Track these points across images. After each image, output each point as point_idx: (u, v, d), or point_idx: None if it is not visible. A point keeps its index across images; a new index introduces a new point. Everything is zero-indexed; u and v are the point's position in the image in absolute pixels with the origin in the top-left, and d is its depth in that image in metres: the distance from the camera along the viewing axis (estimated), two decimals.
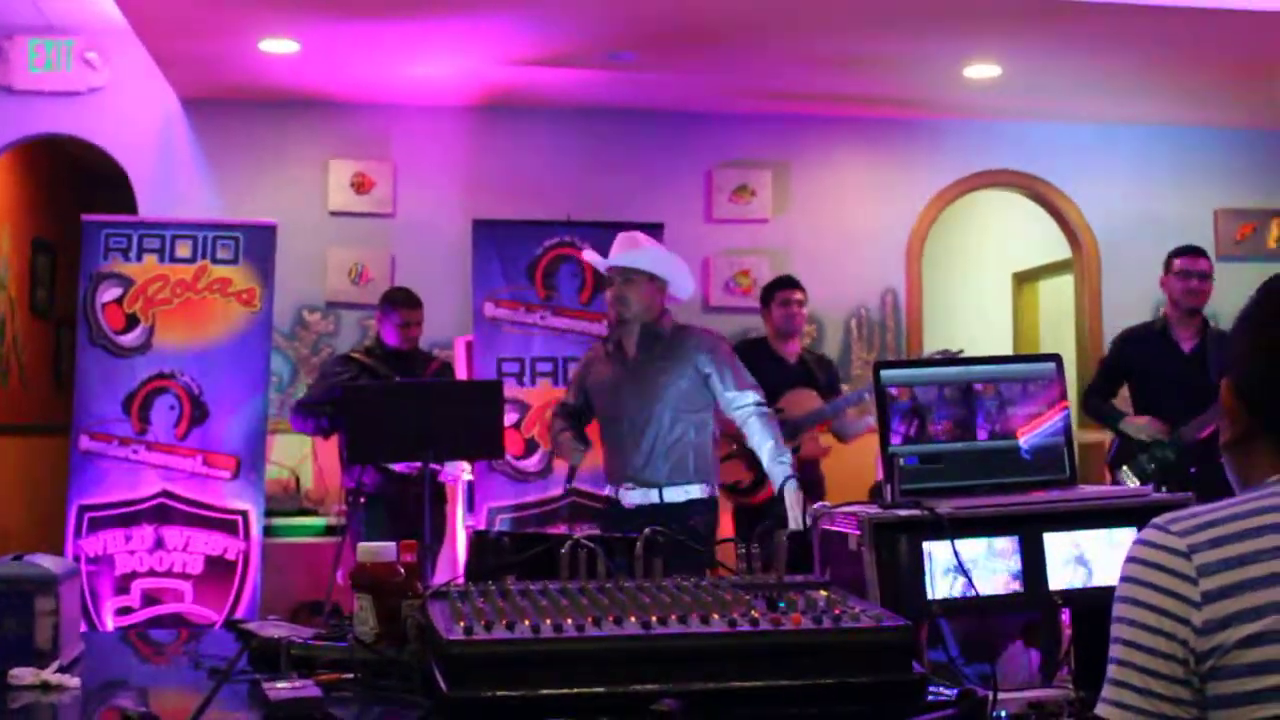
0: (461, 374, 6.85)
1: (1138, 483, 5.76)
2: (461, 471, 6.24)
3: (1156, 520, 1.53)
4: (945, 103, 7.85)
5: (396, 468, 5.77)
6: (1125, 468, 5.82)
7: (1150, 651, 1.42)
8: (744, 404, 4.71)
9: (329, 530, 6.70)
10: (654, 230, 6.73)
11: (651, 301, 4.77)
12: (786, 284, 6.49)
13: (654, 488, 4.68)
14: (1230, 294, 8.02)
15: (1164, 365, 5.93)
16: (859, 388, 6.73)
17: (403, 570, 2.53)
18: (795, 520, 4.30)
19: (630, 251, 4.78)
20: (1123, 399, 6.18)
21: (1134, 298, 7.83)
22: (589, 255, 5.01)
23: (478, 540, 3.12)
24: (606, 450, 4.83)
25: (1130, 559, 1.51)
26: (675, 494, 4.69)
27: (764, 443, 4.65)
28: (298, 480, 7.14)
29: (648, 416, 4.70)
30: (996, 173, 8.40)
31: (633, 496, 4.71)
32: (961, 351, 5.97)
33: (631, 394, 4.73)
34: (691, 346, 4.76)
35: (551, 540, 2.75)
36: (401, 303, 6.08)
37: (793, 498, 4.43)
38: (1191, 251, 5.99)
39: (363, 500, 5.85)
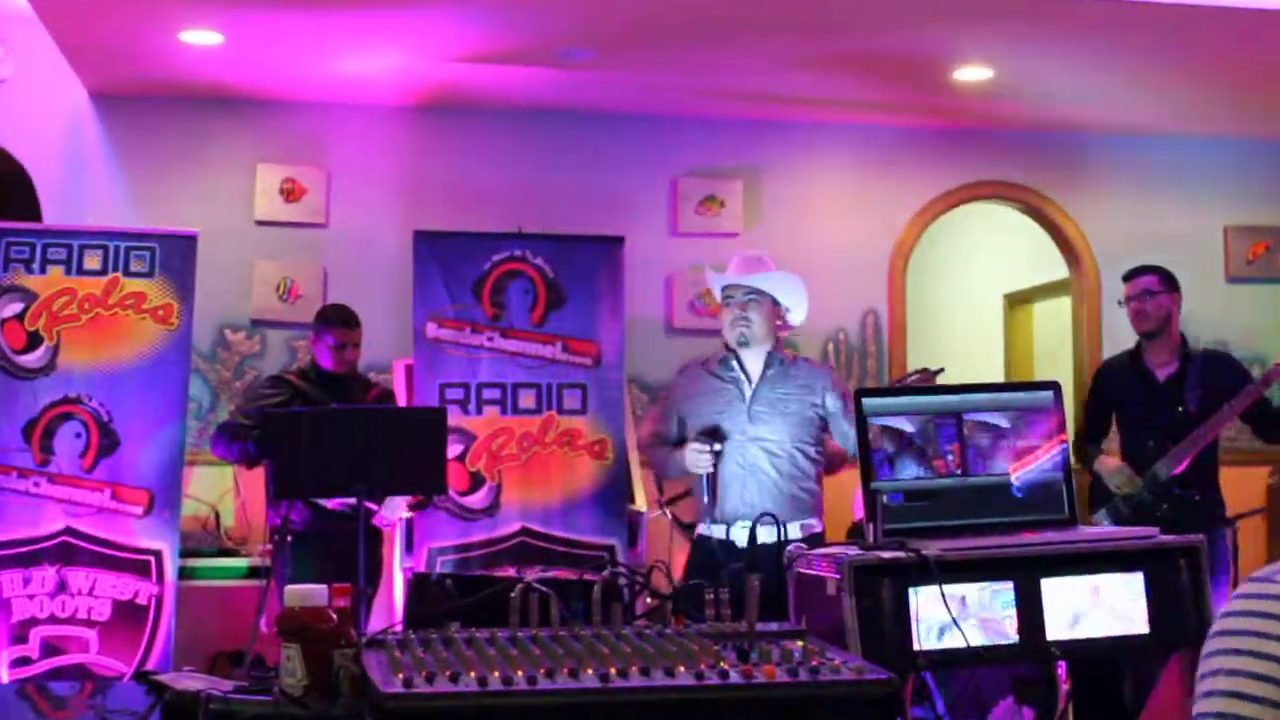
0: (401, 401, 6.82)
1: (1112, 526, 5.82)
2: (399, 512, 6.19)
3: (1256, 574, 1.57)
4: (933, 108, 7.90)
5: (328, 504, 5.73)
6: (1102, 510, 5.88)
7: (1259, 701, 1.45)
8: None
9: (252, 572, 6.63)
10: (614, 244, 6.75)
11: (771, 326, 4.94)
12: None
13: (776, 525, 4.72)
14: (1241, 317, 8.16)
15: (1138, 395, 6.00)
16: None
17: (334, 616, 2.51)
18: None
19: (760, 274, 4.94)
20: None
21: None
22: (709, 272, 5.15)
23: (417, 583, 3.11)
24: (716, 486, 4.88)
25: (1232, 612, 1.55)
26: (796, 529, 4.81)
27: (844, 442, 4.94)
28: (217, 517, 7.07)
29: (773, 448, 4.86)
30: (988, 184, 8.45)
31: (761, 533, 4.71)
32: (941, 371, 6.02)
33: (753, 421, 4.88)
34: (820, 380, 4.96)
35: (500, 584, 2.73)
36: (336, 321, 6.06)
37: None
38: (1134, 273, 6.11)
39: (290, 539, 5.80)
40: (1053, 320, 9.57)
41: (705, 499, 4.88)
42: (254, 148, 7.66)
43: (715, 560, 4.63)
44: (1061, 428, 3.25)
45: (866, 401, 3.22)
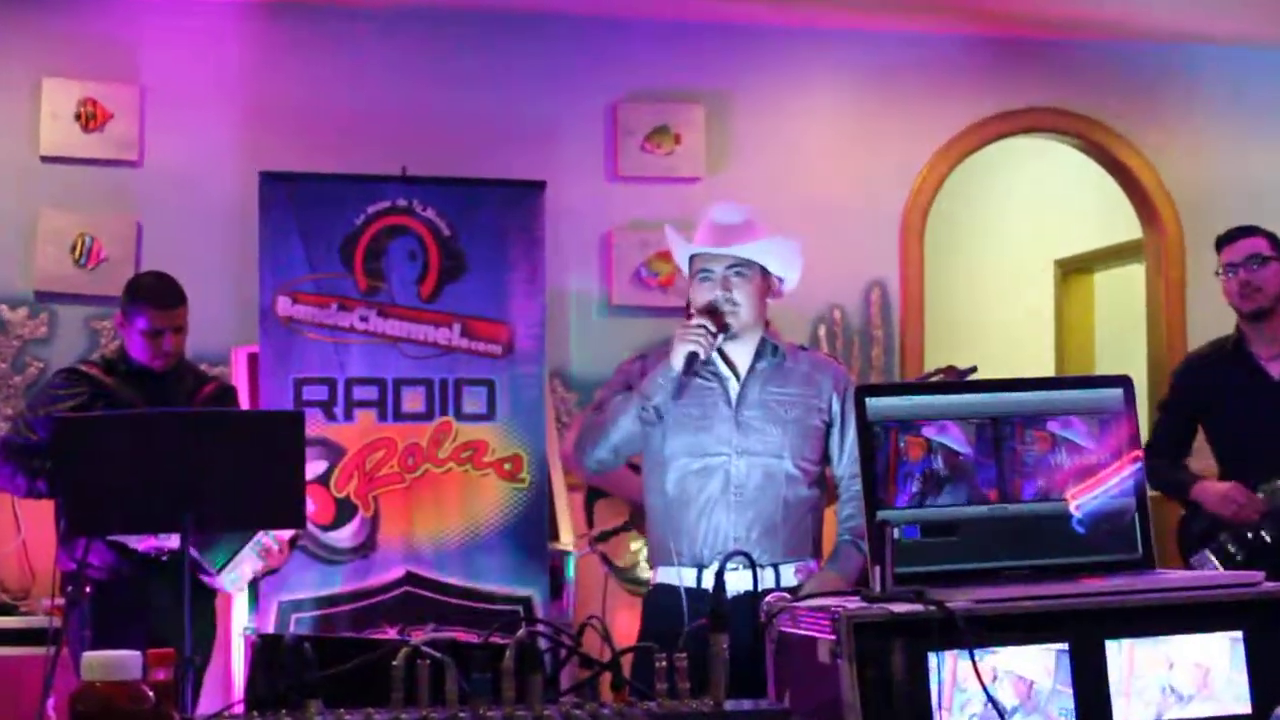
0: (243, 403, 6.78)
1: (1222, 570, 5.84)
2: (248, 576, 6.10)
3: None
4: (961, 7, 7.93)
5: (138, 545, 5.69)
6: (1205, 552, 5.91)
7: None
8: (854, 473, 4.75)
9: (36, 636, 6.59)
10: (532, 191, 6.73)
11: (762, 305, 4.90)
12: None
13: (766, 567, 4.72)
14: None
15: (1243, 399, 6.02)
16: None
17: (151, 694, 2.49)
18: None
19: (749, 243, 4.85)
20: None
21: None
22: (671, 234, 5.05)
23: (265, 649, 3.09)
24: (680, 510, 4.85)
25: None
26: (791, 573, 4.77)
27: (858, 516, 4.74)
28: None
29: (765, 466, 4.81)
30: (1035, 112, 8.49)
31: (736, 580, 4.68)
32: (973, 370, 6.02)
33: (740, 428, 4.82)
34: (825, 376, 4.92)
35: (378, 648, 2.72)
36: (150, 299, 5.98)
37: (823, 579, 4.62)
38: (1235, 234, 6.10)
39: (88, 590, 5.75)
40: (1121, 295, 9.63)
41: (655, 418, 4.83)
42: (38, 56, 7.59)
43: (680, 618, 4.60)
44: (1135, 439, 3.26)
45: (872, 402, 3.22)
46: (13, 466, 5.86)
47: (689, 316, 4.87)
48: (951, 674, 2.85)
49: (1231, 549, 5.82)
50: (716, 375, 4.87)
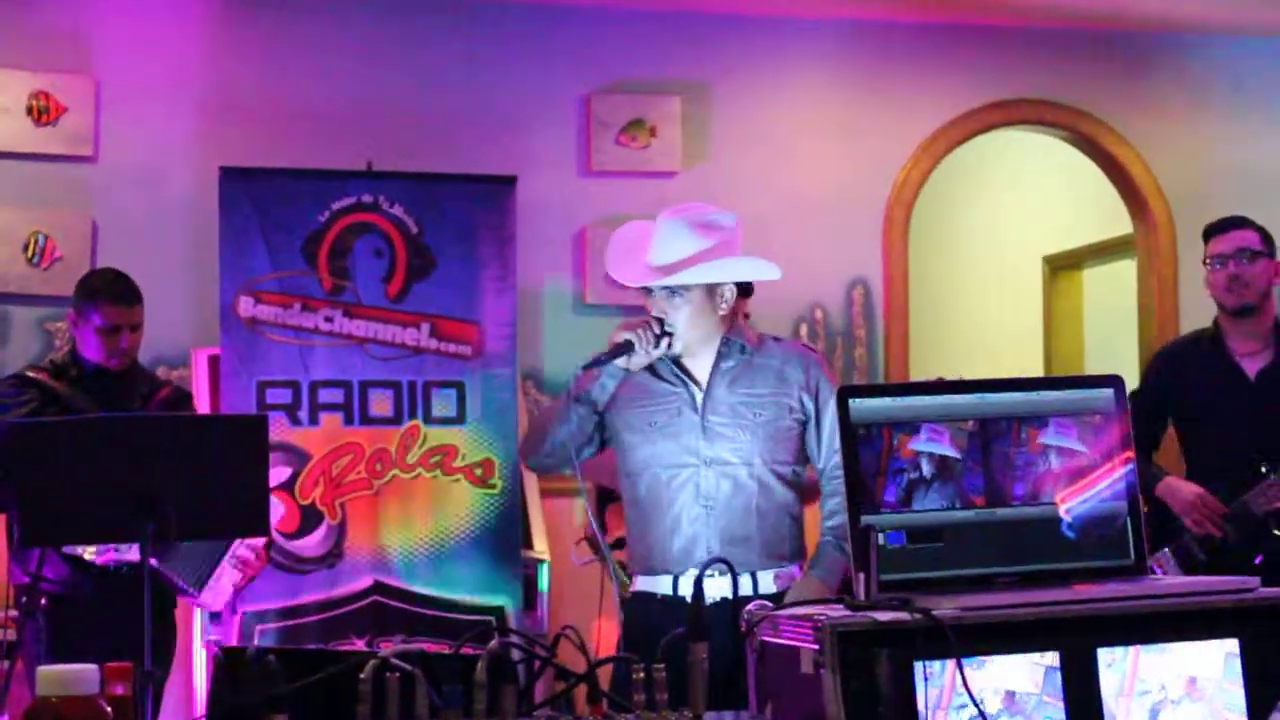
0: (203, 406, 6.75)
1: (1180, 572, 5.86)
2: (228, 591, 6.07)
3: None
4: None
5: (96, 557, 5.66)
6: (1165, 550, 5.93)
7: None
8: (836, 468, 4.76)
9: None
10: (503, 186, 6.73)
11: (708, 319, 4.84)
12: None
13: (744, 573, 4.71)
14: None
15: (1217, 395, 6.03)
16: None
17: (109, 709, 2.48)
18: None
19: (678, 272, 4.77)
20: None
21: None
22: (616, 269, 4.98)
23: (228, 662, 3.08)
24: (654, 520, 4.86)
25: None
26: (770, 579, 4.78)
27: (839, 514, 4.74)
28: None
29: (735, 470, 4.80)
30: (1022, 104, 8.51)
31: (714, 586, 4.68)
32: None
33: (708, 437, 4.80)
34: (798, 369, 4.88)
35: (345, 660, 2.71)
36: (105, 296, 5.96)
37: (809, 593, 4.55)
38: (1225, 225, 6.10)
39: (43, 602, 5.73)
40: (1111, 292, 9.66)
41: (588, 412, 4.85)
42: None
43: (658, 627, 4.61)
44: (1127, 440, 3.26)
45: (855, 403, 3.22)
46: None
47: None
48: (939, 684, 2.85)
49: (1194, 550, 5.85)
50: (682, 381, 4.86)
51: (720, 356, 4.84)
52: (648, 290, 4.83)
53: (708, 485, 4.77)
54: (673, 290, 4.75)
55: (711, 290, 4.79)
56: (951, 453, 3.21)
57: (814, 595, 4.50)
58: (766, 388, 4.83)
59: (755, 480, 4.78)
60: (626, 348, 4.71)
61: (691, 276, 4.74)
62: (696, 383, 4.84)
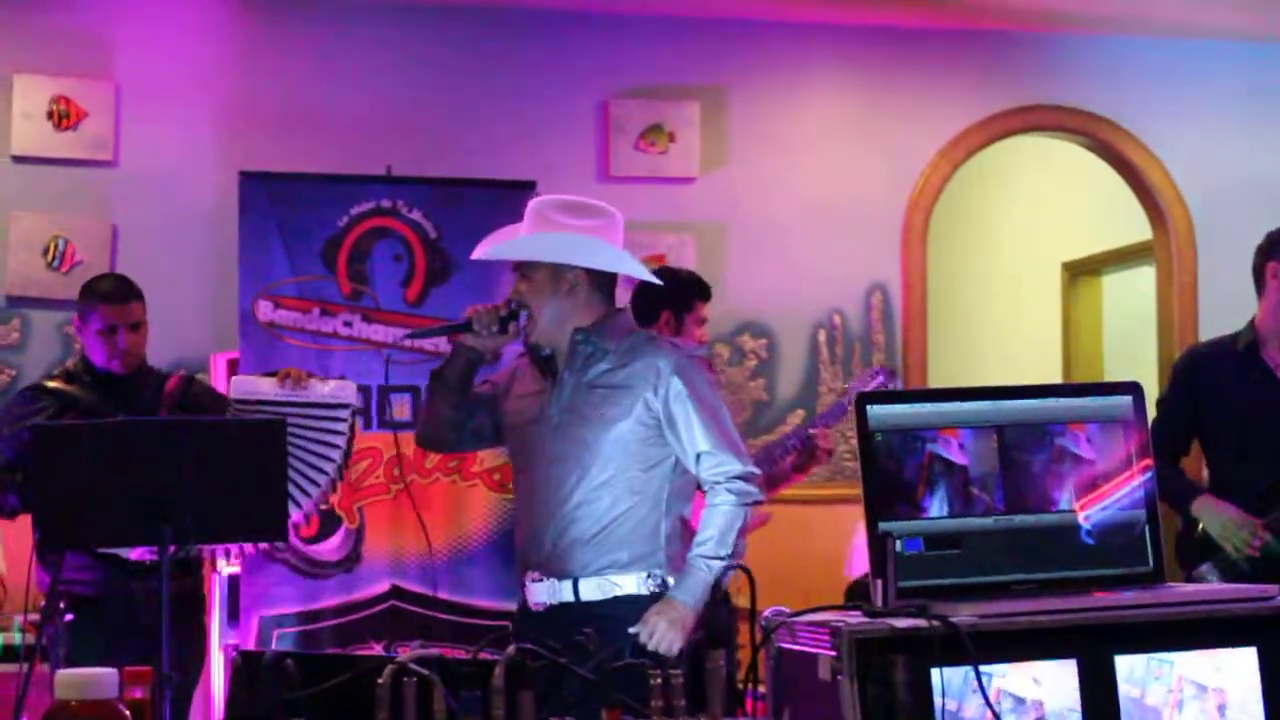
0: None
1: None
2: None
3: None
4: (963, 2, 7.93)
5: (130, 553, 5.67)
6: (1207, 564, 5.89)
7: None
8: (718, 470, 4.71)
9: (9, 653, 6.59)
10: (522, 191, 6.73)
11: (559, 303, 4.75)
12: (707, 292, 6.47)
13: (566, 579, 4.68)
14: None
15: (1251, 404, 5.99)
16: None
17: (128, 712, 2.49)
18: (652, 640, 4.38)
19: (528, 235, 4.77)
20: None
21: (1245, 299, 7.96)
22: (481, 251, 4.97)
23: (246, 666, 3.08)
24: (516, 521, 4.86)
25: None
26: (594, 588, 4.68)
27: (708, 528, 4.66)
28: None
29: (569, 472, 4.71)
30: (1040, 110, 8.50)
31: (537, 592, 4.69)
32: (893, 373, 6.05)
33: (552, 436, 4.75)
34: (648, 369, 4.74)
35: (363, 665, 2.72)
36: (100, 296, 5.95)
37: (658, 611, 4.47)
38: None
39: (62, 605, 5.74)
40: (1130, 298, 9.64)
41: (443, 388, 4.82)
42: (9, 52, 7.59)
43: (523, 628, 4.61)
44: (1145, 448, 3.26)
45: (872, 410, 3.22)
46: None
47: None
48: (956, 691, 2.85)
49: (1236, 561, 5.81)
50: (540, 381, 4.82)
51: (571, 352, 4.75)
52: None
53: (551, 484, 4.71)
54: (520, 271, 4.73)
55: (557, 273, 4.71)
56: (969, 459, 3.20)
57: (671, 618, 4.46)
58: (616, 386, 4.72)
59: (597, 481, 4.69)
60: (464, 326, 4.70)
61: (516, 251, 4.74)
62: (558, 382, 4.77)
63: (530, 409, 4.81)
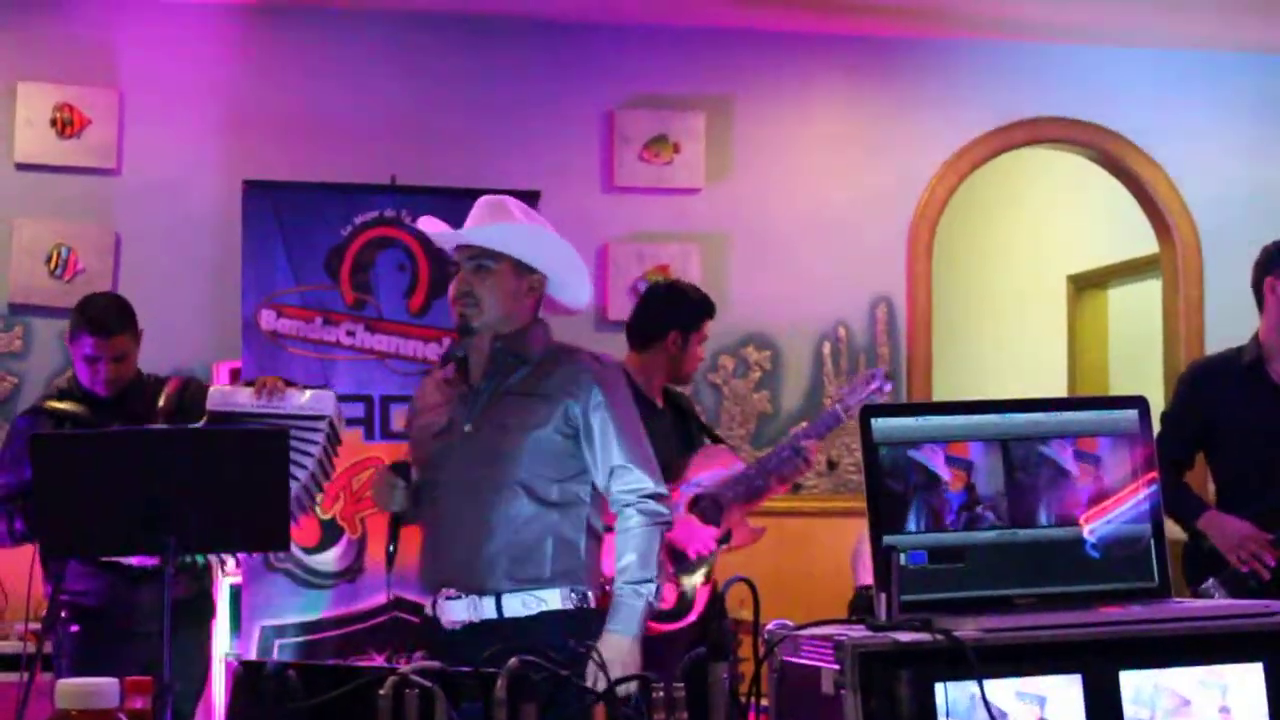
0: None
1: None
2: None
3: None
4: (969, 14, 7.94)
5: (133, 559, 5.67)
6: (1212, 580, 5.89)
7: None
8: (630, 487, 4.65)
9: (7, 662, 6.58)
10: (526, 201, 6.72)
11: (515, 304, 4.70)
12: (713, 310, 6.45)
13: (487, 595, 4.64)
14: None
15: (1257, 419, 5.98)
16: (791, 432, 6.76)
17: None
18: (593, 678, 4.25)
19: (491, 224, 4.73)
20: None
21: (1252, 313, 7.96)
22: (427, 225, 4.93)
23: (247, 677, 3.08)
24: (422, 538, 4.80)
25: None
26: (518, 604, 4.62)
27: (626, 554, 4.61)
28: None
29: (486, 483, 4.65)
30: (1046, 123, 8.50)
31: (454, 609, 4.64)
32: (890, 379, 6.07)
33: (466, 445, 4.69)
34: (570, 381, 4.69)
35: (364, 676, 2.72)
36: (89, 322, 5.91)
37: (611, 654, 4.39)
38: None
39: (64, 615, 5.74)
40: (1136, 312, 9.64)
41: (390, 548, 4.81)
42: (12, 59, 7.60)
43: (433, 647, 4.58)
44: (1151, 461, 3.25)
45: (877, 423, 3.21)
46: None
47: None
48: (960, 706, 2.85)
49: (1242, 576, 5.80)
50: (456, 391, 4.75)
51: (492, 362, 4.70)
52: (455, 269, 4.73)
53: (463, 497, 4.66)
54: (481, 263, 4.65)
55: (520, 270, 4.69)
56: (974, 473, 3.20)
57: (622, 654, 4.40)
58: (535, 399, 4.66)
59: (512, 494, 4.62)
60: (395, 502, 4.74)
61: (496, 239, 4.66)
62: (469, 389, 4.72)
63: (437, 420, 4.76)
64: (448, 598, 4.63)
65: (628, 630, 4.48)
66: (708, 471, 6.19)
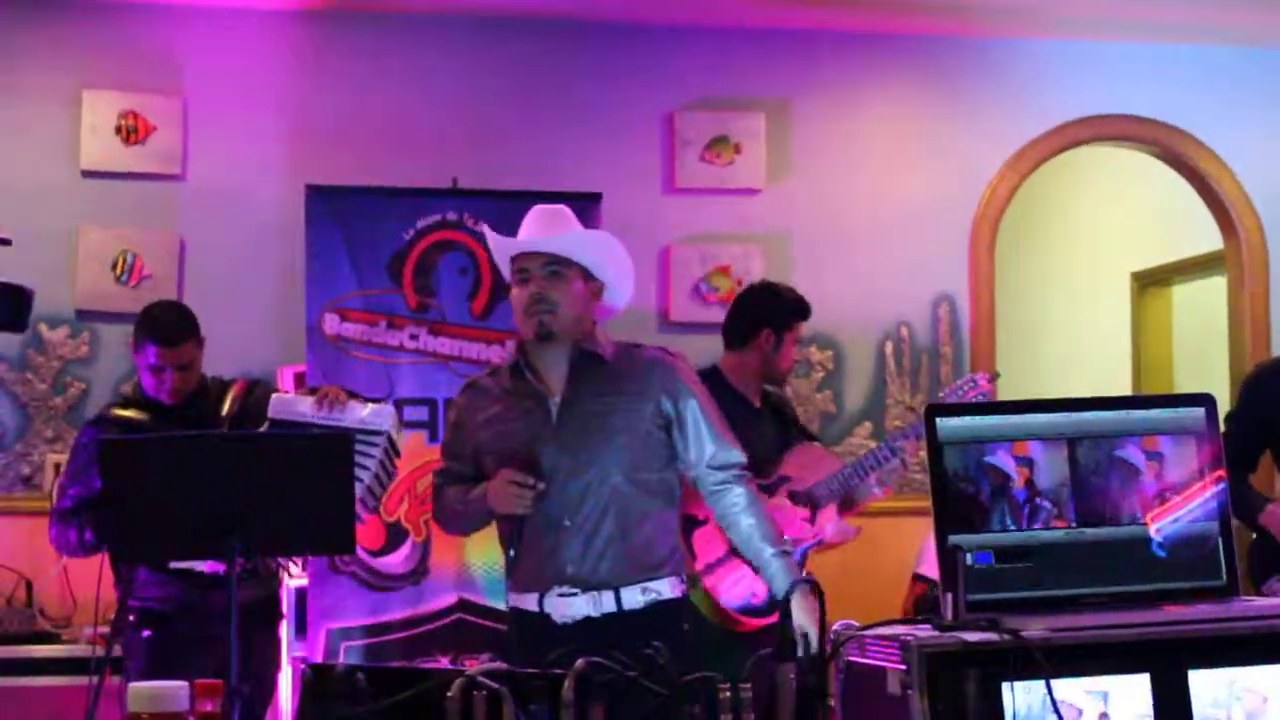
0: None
1: None
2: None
3: None
4: (1028, 12, 7.91)
5: (204, 566, 5.69)
6: (1276, 576, 5.86)
7: None
8: (726, 464, 4.80)
9: (77, 665, 6.61)
10: (588, 203, 6.74)
11: (585, 309, 4.83)
12: (808, 311, 6.49)
13: (606, 589, 4.70)
14: None
15: None
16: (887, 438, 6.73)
17: None
18: (813, 640, 4.30)
19: (561, 235, 4.82)
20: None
21: None
22: (490, 236, 5.00)
23: (315, 679, 3.10)
24: (521, 540, 4.82)
25: None
26: (636, 595, 4.71)
27: (753, 527, 4.74)
28: (29, 587, 7.05)
29: (595, 481, 4.73)
30: (1108, 120, 8.46)
31: (574, 606, 4.69)
32: (998, 376, 6.02)
33: (563, 449, 4.75)
34: (652, 376, 4.82)
35: (432, 679, 2.72)
36: (154, 332, 5.92)
37: (804, 606, 4.41)
38: None
39: (132, 619, 5.78)
40: (1201, 309, 9.58)
41: (510, 553, 4.82)
42: (78, 67, 7.63)
43: (539, 642, 4.59)
44: (1218, 460, 3.25)
45: (943, 423, 3.21)
46: (60, 528, 5.89)
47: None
48: (1027, 705, 2.84)
49: None
50: (535, 394, 4.81)
51: (573, 364, 4.80)
52: (520, 277, 4.80)
53: (568, 498, 4.72)
54: (555, 270, 4.74)
55: (588, 277, 4.82)
56: (1040, 472, 3.20)
57: (813, 610, 4.44)
58: (620, 395, 4.78)
59: (617, 491, 4.73)
60: (523, 510, 4.73)
61: (573, 248, 4.79)
62: (551, 392, 4.80)
63: (518, 428, 4.82)
64: (562, 594, 4.69)
65: (800, 586, 4.43)
66: (802, 469, 6.20)
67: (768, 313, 6.38)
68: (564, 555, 4.72)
